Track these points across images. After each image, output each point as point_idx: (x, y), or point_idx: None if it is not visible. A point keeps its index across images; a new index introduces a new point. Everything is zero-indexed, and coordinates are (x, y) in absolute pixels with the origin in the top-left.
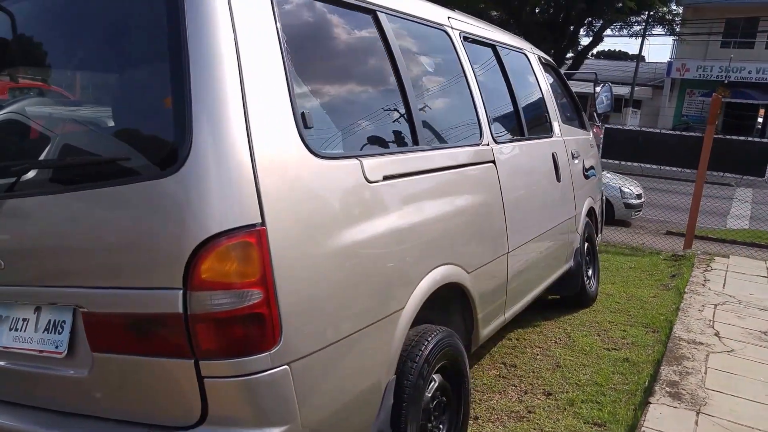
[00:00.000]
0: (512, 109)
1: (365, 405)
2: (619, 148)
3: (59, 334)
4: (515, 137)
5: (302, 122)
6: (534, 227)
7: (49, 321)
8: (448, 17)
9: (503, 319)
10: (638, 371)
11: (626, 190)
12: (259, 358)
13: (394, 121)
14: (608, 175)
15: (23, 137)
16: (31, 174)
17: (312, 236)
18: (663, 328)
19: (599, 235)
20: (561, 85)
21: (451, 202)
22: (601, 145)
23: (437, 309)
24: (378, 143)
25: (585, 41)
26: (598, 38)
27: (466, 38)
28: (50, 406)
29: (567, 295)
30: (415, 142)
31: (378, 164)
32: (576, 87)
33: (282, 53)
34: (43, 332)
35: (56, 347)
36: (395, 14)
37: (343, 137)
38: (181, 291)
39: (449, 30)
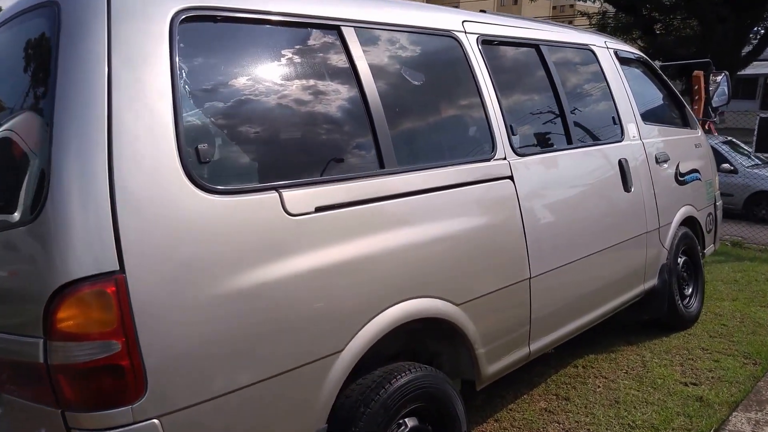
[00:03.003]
0: (555, 115)
1: None
2: None
3: None
4: (554, 147)
5: (196, 158)
6: (579, 247)
7: None
8: (464, 21)
9: (527, 352)
10: (709, 415)
11: None
12: (121, 412)
13: (346, 145)
14: None
15: None
16: None
17: (195, 281)
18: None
19: (713, 245)
20: (654, 79)
21: (432, 227)
22: (755, 136)
23: (433, 339)
24: (317, 171)
25: None
26: None
27: (488, 42)
28: None
29: (655, 318)
30: (381, 165)
31: (307, 195)
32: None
33: (174, 91)
34: None
35: None
36: (367, 26)
37: (261, 168)
38: (42, 340)
39: (460, 35)
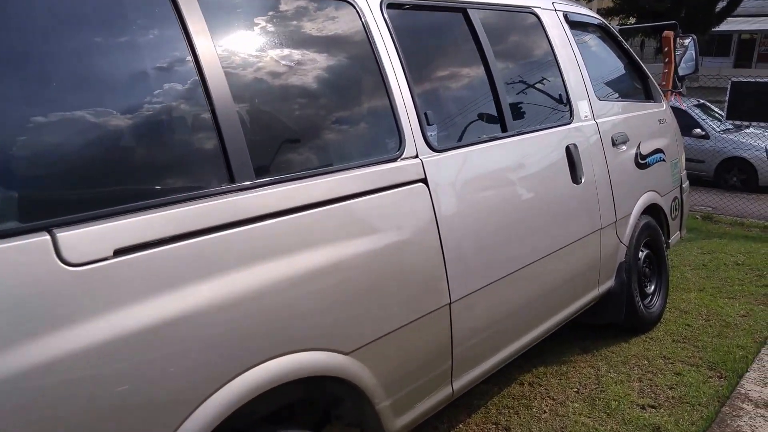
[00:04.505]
0: (486, 97)
1: None
2: (750, 106)
3: None
4: (483, 137)
5: None
6: (515, 257)
7: None
8: None
9: (449, 393)
10: None
11: None
12: None
13: (174, 154)
14: (753, 131)
15: None
16: None
17: None
18: (734, 372)
19: (679, 232)
20: (614, 46)
21: (307, 258)
22: (726, 103)
23: (332, 382)
24: (123, 195)
25: None
26: None
27: (396, 5)
28: None
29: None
30: (230, 178)
31: (100, 233)
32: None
33: None
34: None
35: None
36: None
37: (24, 199)
38: None
39: None
